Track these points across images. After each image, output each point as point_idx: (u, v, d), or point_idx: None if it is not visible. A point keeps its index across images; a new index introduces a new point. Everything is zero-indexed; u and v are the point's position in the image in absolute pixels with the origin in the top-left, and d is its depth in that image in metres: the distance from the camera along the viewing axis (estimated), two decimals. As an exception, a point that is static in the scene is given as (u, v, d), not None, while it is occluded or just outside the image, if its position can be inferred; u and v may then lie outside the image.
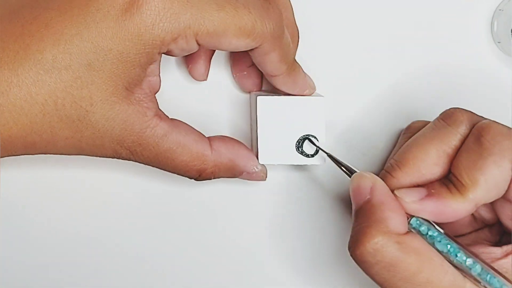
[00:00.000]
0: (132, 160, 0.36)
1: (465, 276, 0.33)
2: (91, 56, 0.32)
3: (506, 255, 0.33)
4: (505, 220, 0.35)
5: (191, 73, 0.41)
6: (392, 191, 0.34)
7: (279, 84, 0.38)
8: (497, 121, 0.34)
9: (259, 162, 0.39)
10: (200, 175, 0.37)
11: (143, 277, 0.43)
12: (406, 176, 0.35)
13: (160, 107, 0.36)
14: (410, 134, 0.38)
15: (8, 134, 0.32)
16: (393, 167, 0.35)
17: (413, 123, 0.40)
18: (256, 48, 0.35)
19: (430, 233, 0.33)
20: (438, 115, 0.37)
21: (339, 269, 0.43)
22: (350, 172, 0.36)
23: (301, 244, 0.43)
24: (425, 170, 0.35)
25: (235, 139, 0.39)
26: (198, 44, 0.34)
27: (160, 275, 0.43)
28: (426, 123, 0.37)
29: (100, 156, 0.35)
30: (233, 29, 0.33)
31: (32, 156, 0.35)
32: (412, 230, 0.34)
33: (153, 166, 0.36)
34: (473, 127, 0.34)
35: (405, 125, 0.41)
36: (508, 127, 0.34)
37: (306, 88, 0.39)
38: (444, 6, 0.42)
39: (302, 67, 0.39)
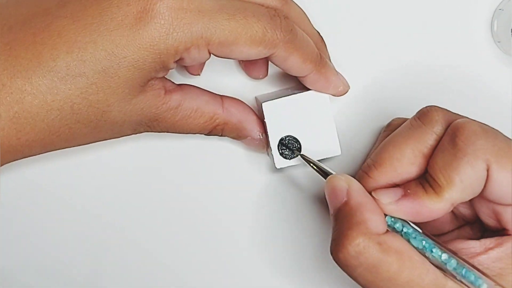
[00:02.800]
0: (149, 132, 0.37)
1: (445, 275, 0.33)
2: (105, 63, 0.32)
3: (486, 250, 0.34)
4: (484, 218, 0.36)
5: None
6: (370, 191, 0.35)
7: (311, 83, 0.38)
8: (471, 119, 0.35)
9: (276, 167, 0.39)
10: (210, 131, 0.38)
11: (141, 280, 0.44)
12: (382, 175, 0.35)
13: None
14: (390, 132, 0.38)
15: (26, 139, 0.33)
16: (369, 167, 0.35)
17: (393, 120, 0.41)
18: (272, 56, 0.35)
19: (404, 230, 0.34)
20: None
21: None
22: (325, 173, 0.36)
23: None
24: (401, 170, 0.35)
25: (245, 104, 0.40)
26: (210, 54, 0.34)
27: (154, 273, 0.44)
28: (406, 120, 0.37)
29: (118, 137, 0.36)
30: (244, 38, 0.33)
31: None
32: (387, 228, 0.34)
33: (169, 132, 0.37)
34: (448, 125, 0.34)
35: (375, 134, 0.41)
36: (482, 126, 0.34)
37: (340, 85, 0.39)
38: (444, 6, 0.42)
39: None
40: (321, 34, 0.40)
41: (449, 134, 0.34)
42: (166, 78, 0.36)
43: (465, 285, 0.32)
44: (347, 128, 0.42)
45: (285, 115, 0.39)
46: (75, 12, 0.32)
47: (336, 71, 0.39)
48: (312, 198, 0.43)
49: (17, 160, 0.34)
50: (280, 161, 0.39)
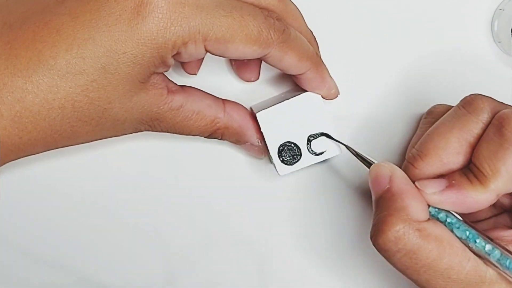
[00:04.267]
0: (150, 131, 0.37)
1: (486, 264, 0.33)
2: (105, 60, 0.32)
3: None
4: None
5: (241, 76, 0.41)
6: (414, 182, 0.35)
7: (308, 81, 0.38)
8: None
9: (279, 174, 0.39)
10: (210, 135, 0.38)
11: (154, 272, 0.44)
12: (428, 166, 0.35)
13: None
14: (432, 119, 0.38)
15: (28, 138, 0.33)
16: (415, 158, 0.35)
17: (434, 107, 0.40)
18: (267, 57, 0.35)
19: (448, 220, 0.34)
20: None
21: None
22: (368, 163, 0.37)
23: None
24: (447, 159, 0.35)
25: (247, 109, 0.40)
26: (206, 50, 0.34)
27: (152, 271, 0.44)
28: (448, 107, 0.37)
29: (120, 136, 0.36)
30: (240, 36, 0.34)
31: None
32: (431, 217, 0.34)
33: (170, 133, 0.37)
34: (494, 114, 0.34)
35: (405, 123, 0.41)
36: None
37: (333, 87, 0.39)
38: (444, 6, 0.42)
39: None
40: (319, 31, 0.40)
41: (495, 124, 0.34)
42: (169, 79, 0.36)
43: (508, 275, 0.32)
44: (346, 124, 0.43)
45: (281, 122, 0.39)
46: (73, 9, 0.32)
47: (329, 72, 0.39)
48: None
49: (19, 158, 0.34)
50: (283, 168, 0.39)
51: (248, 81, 0.41)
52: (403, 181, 0.34)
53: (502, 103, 0.35)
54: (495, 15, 0.42)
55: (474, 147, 0.34)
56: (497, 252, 0.33)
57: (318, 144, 0.39)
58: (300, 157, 0.39)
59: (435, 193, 0.34)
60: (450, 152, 0.35)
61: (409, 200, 0.33)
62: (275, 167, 0.39)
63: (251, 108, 0.41)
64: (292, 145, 0.39)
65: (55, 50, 0.32)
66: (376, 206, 0.34)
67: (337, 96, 0.39)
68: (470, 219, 0.36)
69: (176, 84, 0.37)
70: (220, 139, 0.39)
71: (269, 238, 0.43)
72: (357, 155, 0.38)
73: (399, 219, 0.33)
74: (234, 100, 0.40)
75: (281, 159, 0.39)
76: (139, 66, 0.33)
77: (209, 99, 0.38)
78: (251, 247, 0.44)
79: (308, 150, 0.39)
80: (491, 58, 0.42)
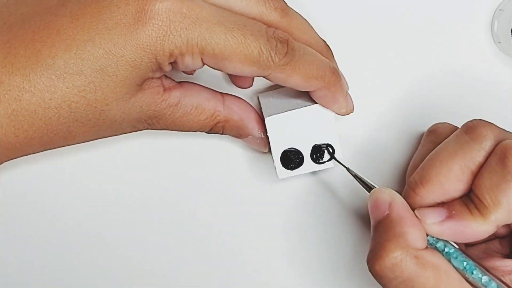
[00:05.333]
0: (150, 129, 0.37)
1: None
2: (103, 62, 0.32)
3: None
4: None
5: (234, 83, 0.41)
6: (414, 209, 0.34)
7: (317, 97, 0.37)
8: None
9: (278, 177, 0.39)
10: (211, 129, 0.38)
11: (147, 278, 0.44)
12: (429, 193, 0.35)
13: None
14: (435, 139, 0.37)
15: (24, 136, 0.33)
16: (416, 184, 0.35)
17: (436, 125, 0.40)
18: (269, 77, 0.35)
19: (446, 249, 0.34)
20: (438, 115, 0.36)
21: (354, 280, 0.43)
22: (368, 187, 0.37)
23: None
24: (448, 186, 0.34)
25: (247, 102, 0.40)
26: (203, 63, 0.34)
27: (150, 271, 0.44)
28: (452, 128, 0.37)
29: (118, 135, 0.36)
30: (238, 55, 0.33)
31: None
32: (429, 246, 0.34)
33: (170, 130, 0.37)
34: (497, 142, 0.34)
35: (406, 126, 0.41)
36: None
37: (343, 108, 0.38)
38: (444, 7, 0.42)
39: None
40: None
41: (497, 154, 0.33)
42: (165, 76, 0.36)
43: None
44: (347, 133, 0.42)
45: (288, 129, 0.38)
46: (74, 11, 0.33)
47: (346, 91, 0.38)
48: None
49: (16, 158, 0.34)
50: (282, 172, 0.39)
51: (240, 88, 0.41)
52: (403, 208, 0.34)
53: (505, 130, 0.35)
54: (495, 16, 0.42)
55: (476, 175, 0.34)
56: (493, 285, 0.33)
57: (321, 153, 0.39)
58: (302, 164, 0.39)
59: (434, 223, 0.34)
60: (452, 179, 0.34)
61: (408, 227, 0.33)
62: (275, 169, 0.39)
63: (258, 97, 0.41)
64: (296, 151, 0.39)
65: (54, 50, 0.32)
66: (374, 231, 0.34)
67: (349, 114, 0.39)
68: (460, 243, 0.36)
69: (173, 80, 0.37)
70: (221, 134, 0.39)
71: (262, 251, 0.43)
72: (357, 178, 0.37)
73: (397, 246, 0.32)
74: (239, 91, 0.40)
75: (282, 163, 0.39)
76: (137, 70, 0.33)
77: (207, 93, 0.38)
78: (243, 257, 0.44)
79: (311, 158, 0.39)
80: (491, 58, 0.42)
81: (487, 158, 0.34)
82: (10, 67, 0.32)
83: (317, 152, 0.39)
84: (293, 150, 0.39)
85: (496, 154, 0.33)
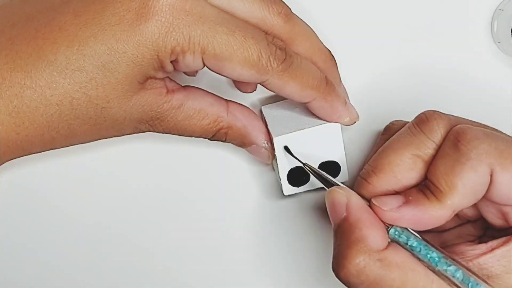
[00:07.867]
0: (151, 131, 0.36)
1: (449, 284, 0.33)
2: (105, 58, 0.32)
3: (492, 249, 0.33)
4: (490, 218, 0.35)
5: (238, 87, 0.40)
6: (369, 198, 0.34)
7: (315, 110, 0.37)
8: (473, 124, 0.34)
9: (284, 194, 0.39)
10: (214, 135, 0.37)
11: (145, 276, 0.44)
12: (382, 182, 0.35)
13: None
14: (388, 136, 0.37)
15: (25, 134, 0.33)
16: (368, 173, 0.35)
17: (391, 123, 0.40)
18: (266, 83, 0.35)
19: (409, 243, 0.33)
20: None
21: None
22: (328, 183, 0.36)
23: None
24: (401, 175, 0.34)
25: (251, 110, 0.39)
26: (204, 64, 0.34)
27: (148, 273, 0.44)
28: (405, 123, 0.37)
29: (120, 136, 0.36)
30: (238, 57, 0.33)
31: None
32: (392, 240, 0.34)
33: (172, 134, 0.37)
34: (448, 131, 0.34)
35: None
36: (484, 130, 0.34)
37: (346, 116, 0.38)
38: (444, 6, 0.42)
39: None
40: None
41: (451, 139, 0.34)
42: (169, 78, 0.36)
43: None
44: (345, 131, 0.42)
45: (296, 148, 0.38)
46: (77, 8, 0.33)
47: (345, 99, 0.38)
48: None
49: (18, 157, 0.34)
50: (288, 189, 0.39)
51: (244, 92, 0.41)
52: (360, 209, 0.34)
53: (457, 117, 0.35)
54: (494, 15, 0.42)
55: (428, 165, 0.34)
56: (460, 273, 0.32)
57: (328, 171, 0.38)
58: (308, 181, 0.39)
59: (392, 209, 0.33)
60: (404, 168, 0.34)
61: (367, 230, 0.33)
62: (281, 186, 0.39)
63: (261, 109, 0.41)
64: (303, 170, 0.38)
65: (56, 47, 0.32)
66: (335, 235, 0.34)
67: (355, 122, 0.38)
68: (434, 230, 0.36)
69: (177, 83, 0.37)
70: (224, 141, 0.38)
71: (263, 261, 0.43)
72: (316, 173, 0.37)
73: (359, 252, 0.32)
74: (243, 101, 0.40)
75: (289, 180, 0.39)
76: (138, 67, 0.33)
77: (211, 98, 0.37)
78: (242, 268, 0.44)
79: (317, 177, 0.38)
80: (491, 58, 0.42)
81: (438, 149, 0.34)
82: (12, 64, 0.32)
83: (324, 170, 0.38)
84: (300, 169, 0.38)
85: (449, 139, 0.34)
